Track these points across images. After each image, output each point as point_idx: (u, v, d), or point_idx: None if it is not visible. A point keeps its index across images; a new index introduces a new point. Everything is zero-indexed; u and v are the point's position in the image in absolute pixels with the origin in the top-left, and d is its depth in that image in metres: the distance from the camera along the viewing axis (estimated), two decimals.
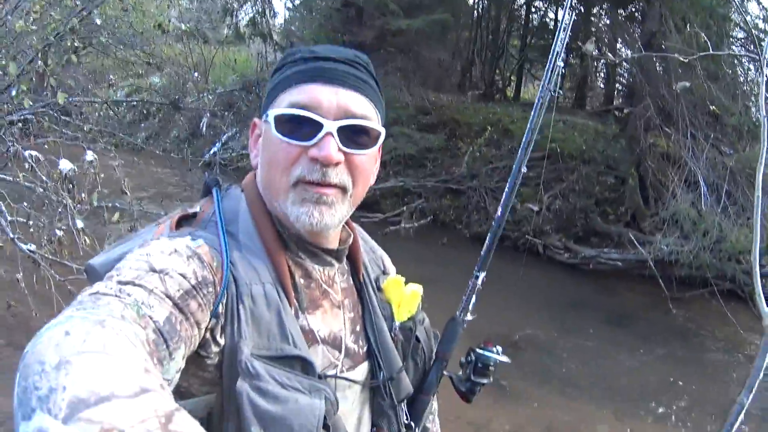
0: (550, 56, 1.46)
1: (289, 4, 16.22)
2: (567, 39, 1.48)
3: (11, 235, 4.55)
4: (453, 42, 15.99)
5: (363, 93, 1.08)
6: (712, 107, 7.89)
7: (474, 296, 1.45)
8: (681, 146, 9.14)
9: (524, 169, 1.46)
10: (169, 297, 0.86)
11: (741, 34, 9.76)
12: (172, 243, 0.96)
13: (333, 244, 1.16)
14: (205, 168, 11.92)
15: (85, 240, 4.55)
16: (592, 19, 15.25)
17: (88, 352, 0.62)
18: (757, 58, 3.24)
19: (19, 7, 5.50)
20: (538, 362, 6.42)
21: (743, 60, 9.20)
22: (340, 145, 1.02)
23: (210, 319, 0.93)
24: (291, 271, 1.07)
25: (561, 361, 6.54)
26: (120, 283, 0.84)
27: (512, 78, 18.37)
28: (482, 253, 1.48)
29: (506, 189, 1.47)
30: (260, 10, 13.90)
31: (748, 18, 8.54)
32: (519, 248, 9.40)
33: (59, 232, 4.70)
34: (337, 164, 1.03)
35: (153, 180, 10.81)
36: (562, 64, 1.47)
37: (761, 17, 9.11)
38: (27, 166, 4.70)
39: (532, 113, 1.48)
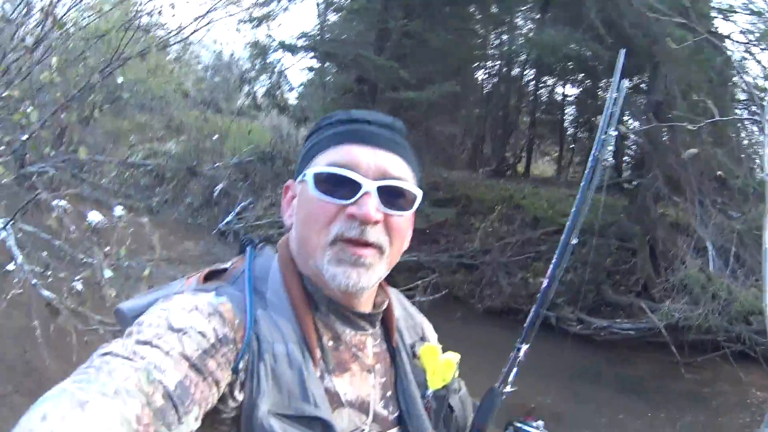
0: (601, 124, 1.45)
1: (303, 79, 16.43)
2: (620, 106, 1.45)
3: (33, 281, 4.44)
4: (464, 118, 16.26)
5: (400, 155, 1.08)
6: (718, 172, 7.97)
7: (515, 368, 1.41)
8: (690, 214, 9.23)
9: (574, 241, 1.42)
10: (186, 358, 0.86)
11: (744, 96, 9.92)
12: (194, 299, 0.97)
13: (366, 307, 1.13)
14: (219, 237, 11.99)
15: (110, 293, 4.41)
16: (599, 93, 15.63)
17: None
18: (759, 120, 3.29)
19: (43, 61, 5.50)
20: None
21: (746, 123, 9.36)
22: (379, 205, 1.02)
23: (231, 375, 0.93)
24: (319, 333, 1.05)
25: (576, 430, 6.45)
26: (138, 342, 0.86)
27: (522, 154, 18.62)
28: (525, 325, 1.44)
29: (554, 260, 1.41)
30: (276, 83, 14.06)
31: (750, 79, 8.66)
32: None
33: (78, 285, 4.60)
34: (375, 223, 1.02)
35: (168, 244, 10.86)
36: (615, 133, 1.45)
37: (762, 75, 9.27)
38: (55, 215, 4.60)
39: (582, 184, 1.42)
